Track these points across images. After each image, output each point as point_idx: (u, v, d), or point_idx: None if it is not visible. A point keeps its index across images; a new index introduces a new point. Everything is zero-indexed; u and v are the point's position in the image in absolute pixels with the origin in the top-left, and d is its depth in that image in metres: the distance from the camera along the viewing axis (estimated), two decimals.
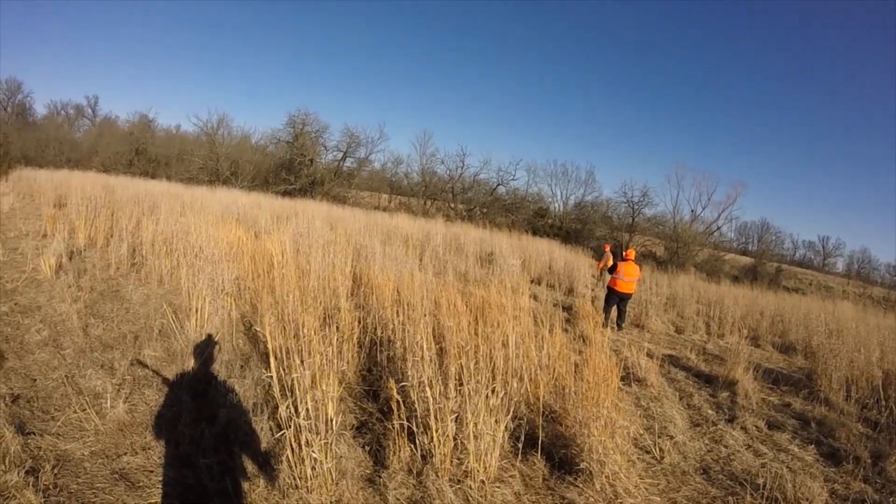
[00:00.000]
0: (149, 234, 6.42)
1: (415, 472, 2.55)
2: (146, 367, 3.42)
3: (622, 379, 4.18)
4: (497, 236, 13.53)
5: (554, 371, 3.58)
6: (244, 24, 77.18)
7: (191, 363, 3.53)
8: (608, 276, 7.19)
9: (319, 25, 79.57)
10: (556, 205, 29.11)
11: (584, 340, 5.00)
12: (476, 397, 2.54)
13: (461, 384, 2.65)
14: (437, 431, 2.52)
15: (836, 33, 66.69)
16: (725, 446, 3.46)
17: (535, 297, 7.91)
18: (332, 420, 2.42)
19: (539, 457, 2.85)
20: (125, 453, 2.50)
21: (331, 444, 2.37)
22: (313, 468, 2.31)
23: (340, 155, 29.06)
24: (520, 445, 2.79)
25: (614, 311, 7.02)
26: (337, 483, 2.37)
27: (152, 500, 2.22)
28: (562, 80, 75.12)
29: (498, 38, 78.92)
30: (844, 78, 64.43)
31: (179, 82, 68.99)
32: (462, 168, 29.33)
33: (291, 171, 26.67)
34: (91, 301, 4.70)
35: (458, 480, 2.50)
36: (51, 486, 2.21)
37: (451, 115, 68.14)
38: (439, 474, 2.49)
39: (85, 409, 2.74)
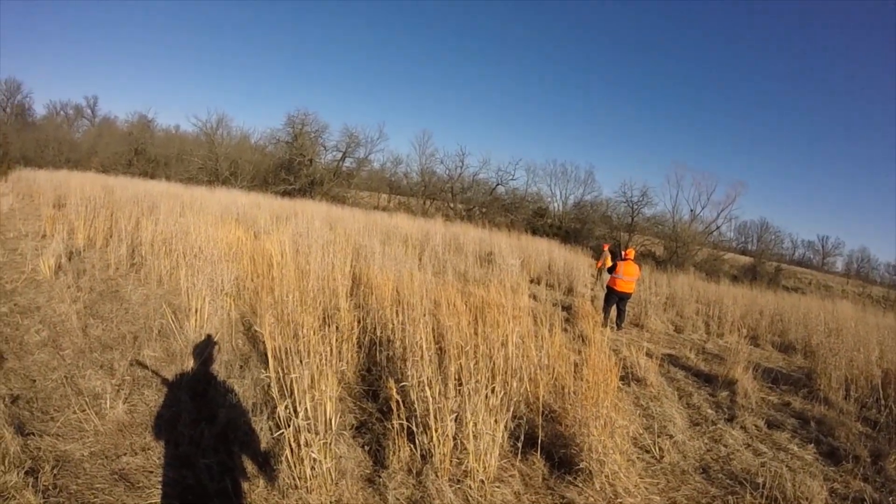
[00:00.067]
0: (148, 235, 6.42)
1: (414, 471, 2.55)
2: (145, 367, 3.42)
3: (622, 378, 4.18)
4: (496, 236, 13.53)
5: (553, 370, 3.58)
6: (243, 24, 77.11)
7: (190, 363, 3.53)
8: (607, 276, 7.19)
9: (318, 25, 79.50)
10: (556, 204, 29.15)
11: (583, 340, 5.01)
12: (476, 397, 2.54)
13: (461, 384, 2.65)
14: (436, 431, 2.52)
15: (835, 33, 66.79)
16: (725, 445, 3.47)
17: (535, 297, 7.91)
18: (330, 420, 2.42)
19: (539, 456, 2.86)
20: (125, 454, 2.50)
21: (330, 445, 2.37)
22: (313, 468, 2.31)
23: (340, 155, 29.09)
24: (519, 445, 2.79)
25: (614, 311, 7.02)
26: (336, 483, 2.37)
27: (152, 501, 2.22)
28: (561, 80, 75.13)
29: (497, 37, 78.92)
30: (843, 78, 64.53)
31: (178, 82, 68.92)
32: (461, 168, 29.38)
33: (291, 171, 26.65)
34: (90, 301, 4.70)
35: (458, 480, 2.50)
36: (50, 487, 2.21)
37: (450, 115, 68.10)
38: (439, 474, 2.49)
39: (84, 410, 2.73)
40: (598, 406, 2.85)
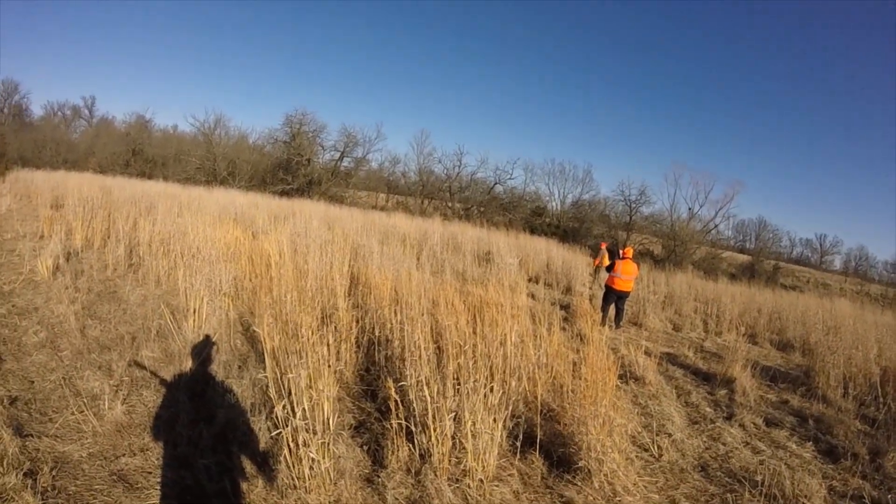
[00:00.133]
0: (146, 235, 6.41)
1: (413, 471, 2.55)
2: (144, 368, 3.42)
3: (620, 377, 4.18)
4: (494, 235, 13.53)
5: (552, 369, 3.58)
6: (241, 24, 76.99)
7: (188, 364, 3.52)
8: (606, 275, 7.19)
9: (317, 25, 79.41)
10: (554, 203, 29.18)
11: (581, 339, 5.01)
12: (474, 396, 2.54)
13: (459, 383, 2.64)
14: (435, 430, 2.52)
15: (832, 32, 66.89)
16: (723, 443, 3.47)
17: (533, 296, 7.92)
18: (328, 420, 2.42)
19: (537, 455, 2.86)
20: (123, 455, 2.49)
21: (328, 444, 2.37)
22: (311, 468, 2.31)
23: (338, 155, 29.04)
24: (518, 444, 2.80)
25: (612, 310, 7.03)
26: (335, 483, 2.37)
27: (151, 502, 2.21)
28: (559, 80, 75.19)
29: (495, 37, 78.94)
30: (842, 77, 64.66)
31: (176, 82, 68.73)
32: (459, 167, 29.36)
33: (289, 170, 26.60)
34: (88, 302, 4.69)
35: (457, 479, 2.50)
36: (49, 488, 2.20)
37: (448, 115, 68.06)
38: (438, 473, 2.49)
39: (83, 411, 2.73)
40: (597, 405, 2.85)
